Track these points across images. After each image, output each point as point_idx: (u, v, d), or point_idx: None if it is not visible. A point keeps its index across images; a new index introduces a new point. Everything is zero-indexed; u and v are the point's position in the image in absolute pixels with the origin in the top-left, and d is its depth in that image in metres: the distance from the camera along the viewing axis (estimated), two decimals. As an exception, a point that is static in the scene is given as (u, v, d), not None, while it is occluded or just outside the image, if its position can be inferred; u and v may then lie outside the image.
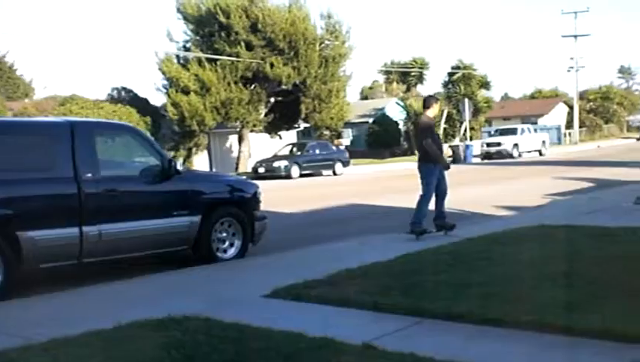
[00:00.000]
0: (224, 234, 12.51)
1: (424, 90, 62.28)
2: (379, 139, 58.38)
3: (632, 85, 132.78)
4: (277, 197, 24.54)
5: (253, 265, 11.87)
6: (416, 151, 13.77)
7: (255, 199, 13.25)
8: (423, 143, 13.01)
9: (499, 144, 51.48)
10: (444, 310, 7.41)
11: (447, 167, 13.72)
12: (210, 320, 7.46)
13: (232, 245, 12.61)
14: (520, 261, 10.08)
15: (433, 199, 13.41)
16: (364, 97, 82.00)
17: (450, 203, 20.42)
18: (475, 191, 25.49)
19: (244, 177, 16.75)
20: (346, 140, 57.90)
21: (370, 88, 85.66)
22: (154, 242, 11.48)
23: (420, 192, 13.28)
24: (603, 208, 17.31)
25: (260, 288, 9.07)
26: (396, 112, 61.27)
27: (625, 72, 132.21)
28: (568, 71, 74.18)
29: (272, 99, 46.40)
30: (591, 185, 25.94)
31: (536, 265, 9.60)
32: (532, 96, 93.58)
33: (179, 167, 12.35)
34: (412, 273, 9.55)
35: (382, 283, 9.04)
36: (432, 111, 13.49)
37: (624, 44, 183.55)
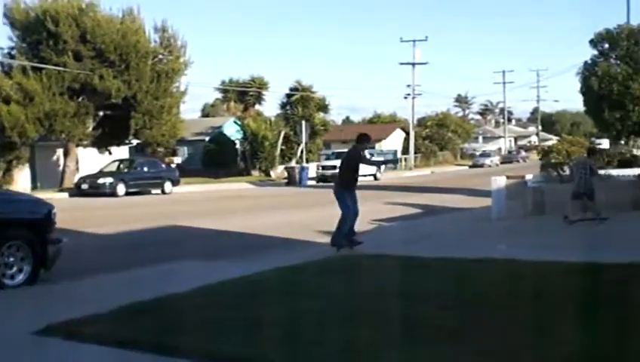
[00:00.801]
0: (11, 259, 11.09)
1: (262, 110, 61.85)
2: (215, 158, 57.06)
3: (468, 114, 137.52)
4: (97, 217, 23.19)
5: (38, 293, 10.62)
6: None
7: (48, 221, 11.85)
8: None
9: (334, 167, 51.17)
10: (232, 354, 6.49)
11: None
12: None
13: (20, 271, 11.18)
14: (326, 294, 9.20)
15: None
16: (206, 115, 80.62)
17: (272, 227, 19.82)
18: (303, 215, 24.88)
19: (39, 196, 15.11)
20: (179, 158, 56.34)
21: (212, 106, 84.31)
22: None
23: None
24: (426, 235, 17.01)
25: (34, 322, 7.83)
26: (234, 132, 60.27)
27: (462, 100, 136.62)
28: (405, 98, 75.78)
29: (101, 113, 44.31)
30: (419, 211, 25.97)
31: (340, 299, 8.79)
32: (371, 121, 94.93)
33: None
34: (208, 307, 8.65)
35: (172, 319, 8.06)
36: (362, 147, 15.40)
37: (462, 74, 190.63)
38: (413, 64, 73.29)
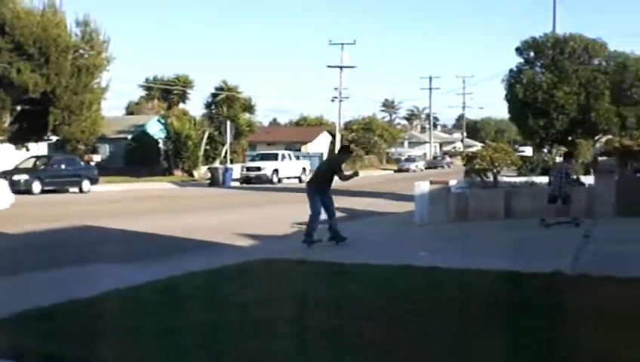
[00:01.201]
0: None
1: (187, 109, 60.73)
2: (137, 157, 55.83)
3: (395, 119, 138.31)
4: (7, 215, 22.14)
5: None
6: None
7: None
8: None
9: (259, 169, 50.72)
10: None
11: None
12: None
13: None
14: (234, 303, 8.64)
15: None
16: (131, 113, 79.01)
17: (191, 229, 19.15)
18: (225, 217, 24.28)
19: None
20: (99, 156, 54.99)
21: (137, 104, 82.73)
22: None
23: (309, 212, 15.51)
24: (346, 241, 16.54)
25: None
26: (157, 130, 59.12)
27: (389, 105, 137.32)
28: (332, 101, 75.48)
29: (19, 108, 42.78)
30: (342, 215, 25.49)
31: (251, 308, 8.27)
32: (297, 124, 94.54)
33: None
34: (112, 315, 8.11)
35: (66, 328, 7.37)
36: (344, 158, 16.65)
37: (390, 79, 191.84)
38: (341, 67, 73.12)
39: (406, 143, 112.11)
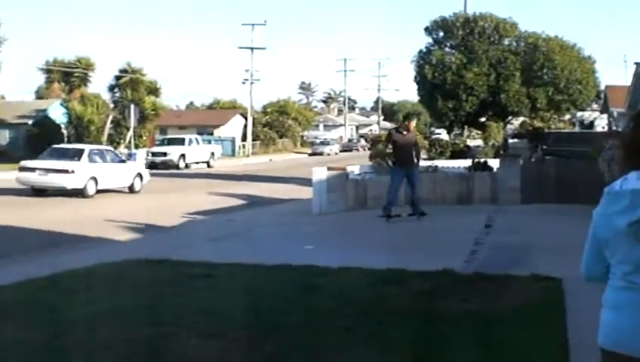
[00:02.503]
0: None
1: (91, 92, 58.05)
2: (38, 143, 53.20)
3: (312, 101, 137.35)
4: None
5: None
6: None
7: None
8: None
9: (164, 154, 48.83)
10: None
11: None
12: None
13: None
14: (57, 319, 7.24)
15: None
16: (40, 97, 75.85)
17: (67, 222, 17.57)
18: (117, 206, 22.81)
19: None
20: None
21: (47, 88, 79.55)
22: None
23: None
24: (236, 232, 15.32)
25: None
26: (60, 115, 56.59)
27: (305, 88, 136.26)
28: (243, 83, 73.81)
29: None
30: (244, 202, 24.42)
31: (75, 322, 6.93)
32: (210, 107, 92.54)
33: None
34: None
35: None
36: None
37: (306, 61, 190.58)
38: (252, 48, 71.55)
39: (321, 126, 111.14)
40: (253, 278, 9.49)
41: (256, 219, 18.90)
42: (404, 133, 15.95)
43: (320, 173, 18.82)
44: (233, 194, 27.02)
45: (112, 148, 35.52)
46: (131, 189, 28.20)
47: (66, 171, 25.50)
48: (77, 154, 27.04)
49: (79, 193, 25.55)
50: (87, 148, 29.12)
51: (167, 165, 47.23)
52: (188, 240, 14.52)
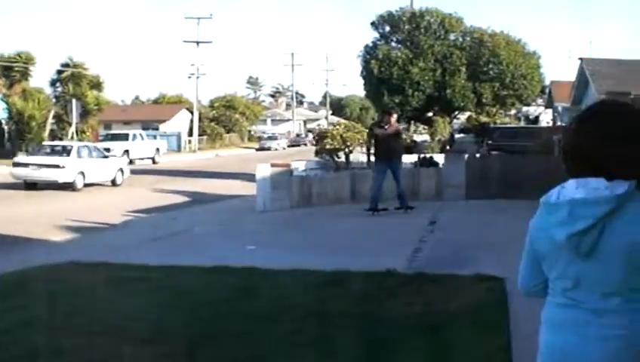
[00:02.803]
0: None
1: (33, 87, 56.75)
2: (-22, 139, 52.17)
3: (259, 96, 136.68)
4: None
5: None
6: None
7: None
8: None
9: (108, 150, 47.90)
10: None
11: None
12: None
13: None
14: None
15: None
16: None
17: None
18: (57, 205, 22.16)
19: None
20: None
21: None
22: None
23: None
24: (177, 231, 14.97)
25: None
26: (0, 110, 55.37)
27: (253, 82, 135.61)
28: (189, 77, 73.11)
29: None
30: (188, 199, 24.14)
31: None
32: (156, 101, 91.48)
33: None
34: None
35: None
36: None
37: (254, 55, 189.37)
38: (198, 42, 70.85)
39: (269, 121, 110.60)
40: (191, 281, 9.18)
41: (199, 217, 18.56)
42: (386, 127, 15.77)
43: (263, 170, 18.53)
44: (177, 190, 26.63)
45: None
46: (114, 183, 30.32)
47: (57, 166, 27.52)
48: (66, 151, 29.55)
49: (69, 186, 27.42)
50: (75, 145, 31.93)
51: (110, 161, 46.34)
52: (126, 241, 14.09)
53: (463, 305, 7.91)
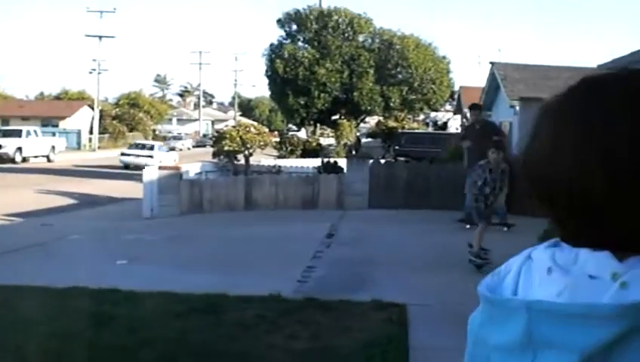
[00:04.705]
0: None
1: None
2: None
3: (167, 94, 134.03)
4: None
5: None
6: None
7: None
8: None
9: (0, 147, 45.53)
10: None
11: None
12: None
13: None
14: None
15: None
16: None
17: None
18: None
19: None
20: None
21: None
22: None
23: None
24: (38, 243, 13.27)
25: None
26: None
27: (161, 80, 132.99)
28: (90, 73, 70.52)
29: None
30: (74, 202, 22.57)
31: None
32: (58, 97, 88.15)
33: None
34: None
35: None
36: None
37: (161, 53, 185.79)
38: (100, 37, 68.37)
39: (174, 120, 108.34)
40: (36, 306, 7.68)
41: (77, 223, 16.94)
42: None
43: (150, 173, 17.01)
44: (66, 192, 24.92)
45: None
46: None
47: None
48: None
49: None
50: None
51: (2, 159, 43.95)
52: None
53: (355, 339, 6.74)
